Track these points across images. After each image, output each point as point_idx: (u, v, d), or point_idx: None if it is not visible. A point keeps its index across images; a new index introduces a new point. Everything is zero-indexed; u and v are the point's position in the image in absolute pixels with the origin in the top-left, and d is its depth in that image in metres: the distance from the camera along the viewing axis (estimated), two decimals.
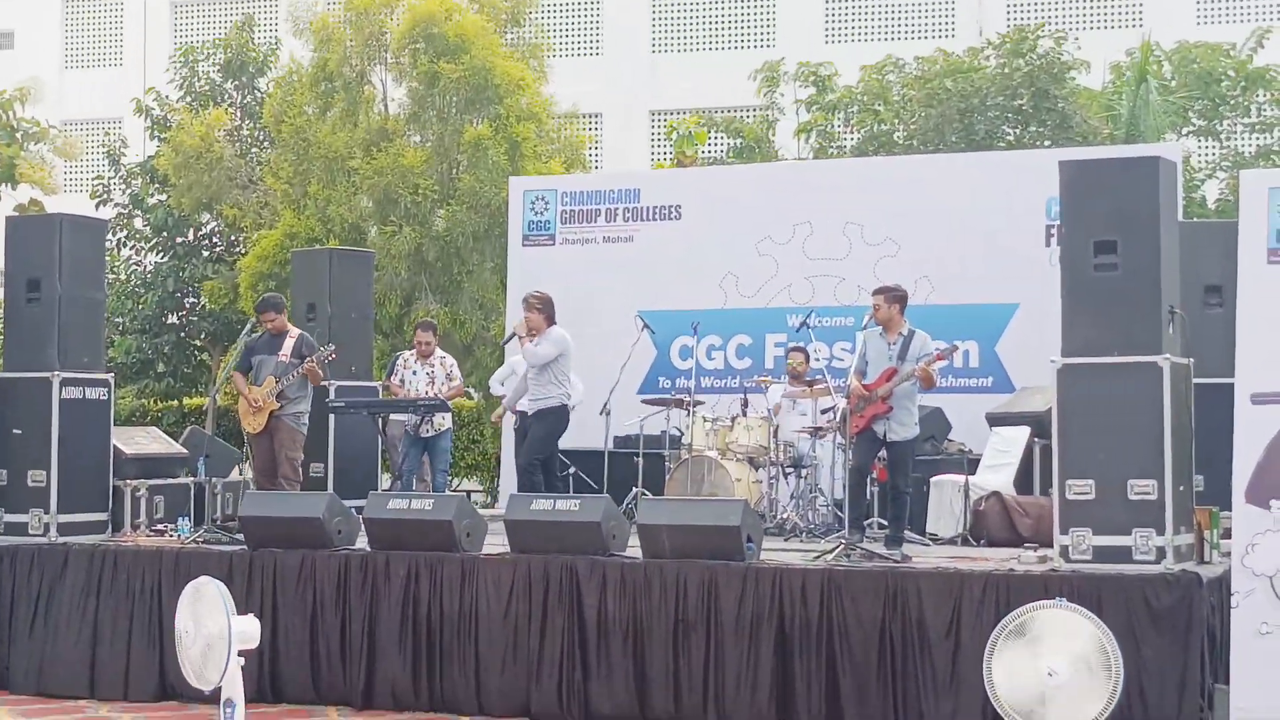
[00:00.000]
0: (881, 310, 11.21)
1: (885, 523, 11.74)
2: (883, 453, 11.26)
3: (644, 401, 14.75)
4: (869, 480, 11.64)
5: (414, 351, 15.08)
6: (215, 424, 23.80)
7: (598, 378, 14.62)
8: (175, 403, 25.52)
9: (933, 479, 12.79)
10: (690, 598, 10.16)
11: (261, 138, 24.61)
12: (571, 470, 14.47)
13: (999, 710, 7.00)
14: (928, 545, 11.96)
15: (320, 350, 12.66)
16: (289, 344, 12.75)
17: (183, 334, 25.34)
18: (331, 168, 21.67)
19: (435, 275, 21.51)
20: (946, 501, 12.52)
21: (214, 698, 7.81)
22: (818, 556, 10.52)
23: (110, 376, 12.56)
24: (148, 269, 25.61)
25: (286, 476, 12.61)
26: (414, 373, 14.87)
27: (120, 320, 25.20)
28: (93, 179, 26.42)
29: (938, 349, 11.27)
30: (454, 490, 20.70)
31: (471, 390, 23.15)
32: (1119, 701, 6.97)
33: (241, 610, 7.98)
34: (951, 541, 12.12)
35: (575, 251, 16.75)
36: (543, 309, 13.03)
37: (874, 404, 11.05)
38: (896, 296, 11.29)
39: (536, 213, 17.05)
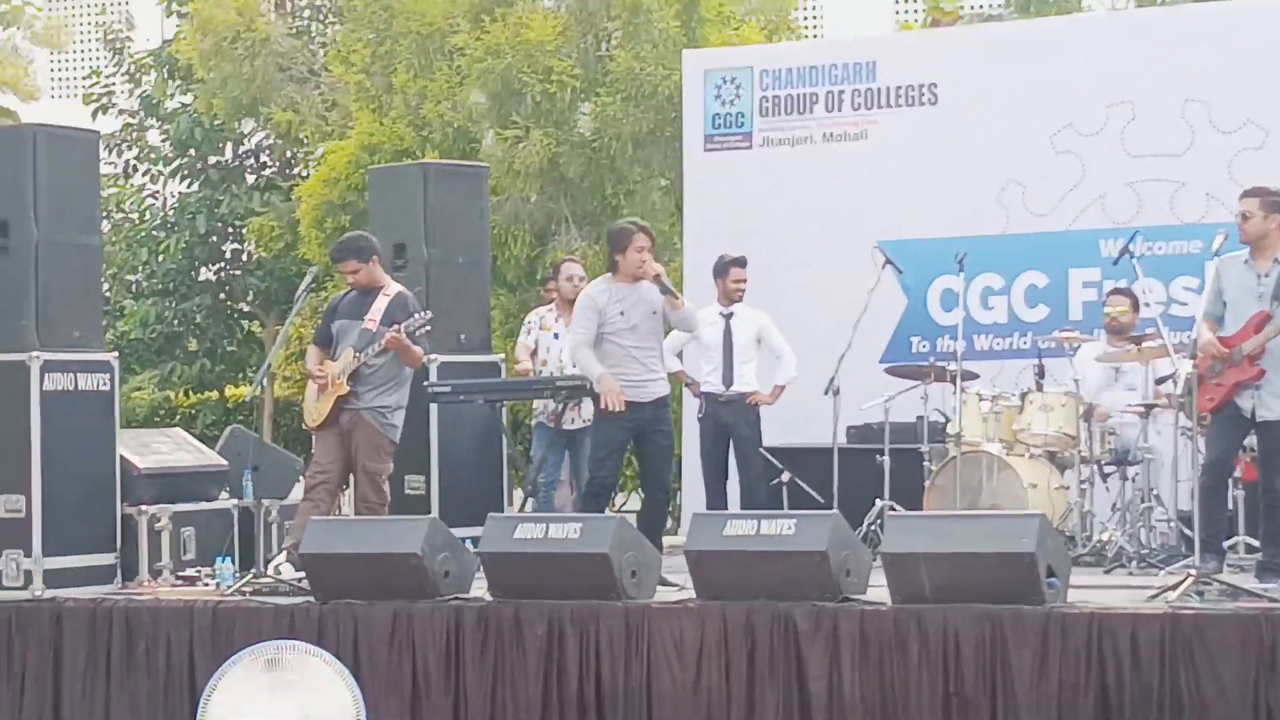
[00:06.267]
0: (1253, 222, 11.19)
1: (1257, 544, 11.66)
2: (1251, 439, 11.26)
3: (889, 373, 14.72)
4: (1232, 481, 11.54)
5: (552, 306, 15.04)
6: (273, 422, 24.14)
7: (819, 340, 14.66)
8: (214, 394, 25.87)
9: None
10: (966, 661, 10.17)
11: (325, 8, 24.82)
12: (785, 477, 14.52)
13: None
14: None
15: (413, 317, 12.58)
16: (380, 305, 12.71)
17: (222, 295, 25.66)
18: (426, 48, 21.76)
19: (580, 199, 21.52)
20: None
21: None
22: (1155, 595, 10.52)
23: (113, 357, 12.72)
24: (169, 203, 25.96)
25: (366, 498, 12.67)
26: (555, 336, 14.87)
27: (133, 279, 25.58)
28: (86, 78, 26.79)
29: None
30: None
31: None
32: None
33: None
34: None
35: (781, 156, 16.76)
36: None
37: (1237, 366, 11.06)
38: (1276, 204, 11.24)
39: (725, 102, 17.10)
